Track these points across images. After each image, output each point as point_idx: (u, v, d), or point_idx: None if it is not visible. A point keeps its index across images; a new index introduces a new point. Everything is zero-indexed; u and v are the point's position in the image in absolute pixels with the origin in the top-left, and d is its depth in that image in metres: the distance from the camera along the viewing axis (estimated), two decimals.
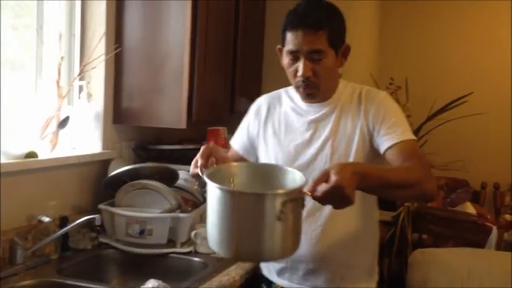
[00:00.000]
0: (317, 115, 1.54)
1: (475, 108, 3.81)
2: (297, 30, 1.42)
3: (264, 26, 2.96)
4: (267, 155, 1.59)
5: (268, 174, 1.31)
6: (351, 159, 1.49)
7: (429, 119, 3.64)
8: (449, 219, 2.72)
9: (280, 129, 1.59)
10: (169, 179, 2.00)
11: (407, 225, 2.72)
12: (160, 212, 1.86)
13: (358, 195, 1.20)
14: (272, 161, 1.56)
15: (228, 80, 2.56)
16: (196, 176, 1.34)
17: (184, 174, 2.10)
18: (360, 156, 1.50)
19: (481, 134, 4.23)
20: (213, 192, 1.15)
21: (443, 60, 4.35)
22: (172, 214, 1.85)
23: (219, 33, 2.39)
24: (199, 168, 1.31)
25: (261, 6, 2.94)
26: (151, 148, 2.32)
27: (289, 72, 1.49)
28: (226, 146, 2.41)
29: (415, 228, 2.79)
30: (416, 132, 3.59)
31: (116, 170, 1.97)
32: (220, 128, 2.40)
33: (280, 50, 1.52)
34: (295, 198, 1.13)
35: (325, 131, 1.53)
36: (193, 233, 1.87)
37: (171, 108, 2.14)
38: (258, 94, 2.90)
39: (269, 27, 2.95)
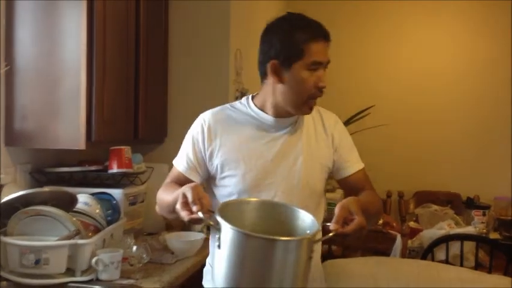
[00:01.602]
0: (286, 130, 1.54)
1: (380, 120, 3.99)
2: (319, 41, 1.45)
3: (167, 40, 2.90)
4: (230, 175, 1.51)
5: (274, 211, 1.33)
6: (318, 177, 1.56)
7: None
8: None
9: (243, 147, 1.52)
10: (67, 203, 1.89)
11: None
12: (57, 240, 1.75)
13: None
14: (239, 180, 1.50)
15: (130, 97, 2.46)
16: (196, 221, 1.25)
17: (85, 198, 2.00)
18: (324, 175, 1.58)
19: (385, 144, 4.43)
20: (244, 240, 1.12)
21: (350, 73, 4.51)
22: (71, 241, 1.75)
23: (118, 49, 2.31)
24: (199, 213, 1.22)
25: (164, 21, 2.87)
26: (49, 171, 2.19)
27: (305, 85, 1.46)
28: (131, 166, 2.33)
29: (324, 240, 2.83)
30: None
31: (8, 196, 1.83)
32: (124, 147, 2.31)
33: (275, 66, 1.46)
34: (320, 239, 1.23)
35: (296, 147, 1.54)
36: (94, 260, 1.77)
37: (69, 129, 2.04)
38: (164, 109, 2.90)
39: (173, 41, 2.91)
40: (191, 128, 1.59)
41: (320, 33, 1.46)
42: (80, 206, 1.95)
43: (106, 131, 2.17)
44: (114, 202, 2.12)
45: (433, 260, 2.86)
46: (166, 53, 2.90)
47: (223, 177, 1.52)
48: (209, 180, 1.57)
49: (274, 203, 1.39)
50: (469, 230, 2.99)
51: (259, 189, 1.48)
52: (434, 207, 3.51)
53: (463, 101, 4.36)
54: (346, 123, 3.71)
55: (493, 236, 3.38)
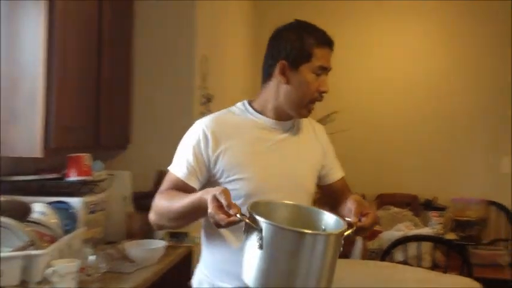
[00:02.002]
0: (286, 133, 1.60)
1: (342, 125, 4.05)
2: (325, 48, 1.54)
3: (131, 44, 2.87)
4: (237, 178, 1.52)
5: (300, 213, 1.38)
6: (313, 181, 1.64)
7: None
8: None
9: (248, 150, 1.54)
10: (22, 213, 1.85)
11: None
12: (11, 251, 1.71)
13: None
14: (246, 183, 1.51)
15: (91, 102, 2.41)
16: (233, 224, 1.24)
17: (41, 207, 1.96)
18: (316, 179, 1.66)
19: (348, 149, 4.48)
20: (285, 235, 1.16)
21: None
22: (24, 252, 1.71)
23: (80, 51, 2.26)
24: (237, 215, 1.22)
25: (128, 24, 2.83)
26: (3, 180, 2.14)
27: (310, 87, 1.53)
28: (90, 174, 2.30)
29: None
30: None
31: None
32: (83, 154, 2.28)
33: (284, 66, 1.53)
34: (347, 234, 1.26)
35: (295, 151, 1.61)
36: (49, 271, 1.74)
37: (25, 135, 1.99)
38: (127, 115, 2.87)
39: (137, 45, 2.88)
40: (189, 135, 1.58)
41: (327, 41, 1.55)
42: (35, 215, 1.91)
43: (65, 137, 2.13)
44: (71, 211, 2.09)
45: (391, 261, 2.92)
46: (130, 57, 2.87)
47: (230, 181, 1.52)
48: (208, 186, 1.53)
49: (298, 205, 1.42)
50: (426, 231, 3.07)
51: (265, 191, 1.50)
52: (394, 209, 3.59)
53: (422, 106, 4.47)
54: None
55: (450, 236, 3.47)
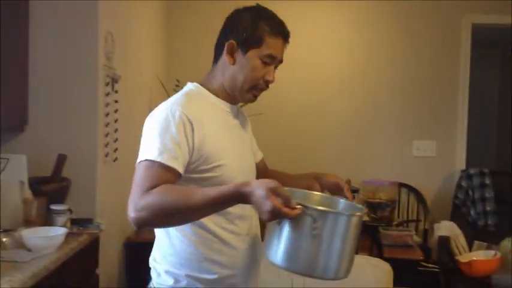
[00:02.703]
0: (238, 117, 1.62)
1: (259, 109, 4.02)
2: (279, 38, 1.52)
3: (27, 19, 2.63)
4: (221, 164, 1.45)
5: (322, 201, 1.47)
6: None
7: None
8: None
9: (223, 135, 1.50)
10: None
11: None
12: None
13: None
14: (229, 167, 1.47)
15: None
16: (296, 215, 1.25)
17: None
18: None
19: (263, 133, 4.47)
20: (339, 220, 1.26)
21: None
22: None
23: None
24: (299, 207, 1.24)
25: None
26: None
27: (255, 73, 1.51)
28: None
29: None
30: None
31: None
32: None
33: (232, 45, 1.50)
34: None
35: (247, 134, 1.67)
36: None
37: None
38: (24, 94, 2.64)
39: (34, 20, 2.66)
40: (165, 120, 1.40)
41: (282, 32, 1.53)
42: None
43: None
44: None
45: None
46: (26, 33, 2.63)
47: (211, 168, 1.44)
48: (186, 173, 1.42)
49: (310, 192, 1.50)
50: None
51: (241, 176, 1.47)
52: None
53: (336, 92, 4.52)
54: None
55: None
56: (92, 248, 2.51)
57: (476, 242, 3.30)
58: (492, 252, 3.20)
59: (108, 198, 2.88)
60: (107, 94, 2.82)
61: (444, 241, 3.23)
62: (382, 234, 3.23)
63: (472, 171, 4.18)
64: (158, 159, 1.34)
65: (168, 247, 1.48)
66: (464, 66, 4.27)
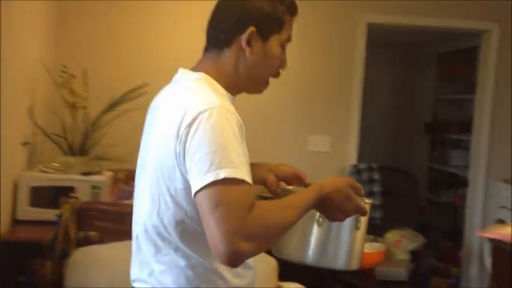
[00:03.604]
0: None
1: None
2: (293, 16, 1.36)
3: None
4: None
5: None
6: None
7: (107, 110, 3.55)
8: (117, 213, 2.63)
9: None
10: None
11: (70, 223, 2.52)
12: None
13: None
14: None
15: None
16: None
17: None
18: None
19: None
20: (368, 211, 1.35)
21: (124, 49, 4.24)
22: None
23: None
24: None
25: None
26: None
27: (276, 61, 1.36)
28: None
29: (81, 226, 2.61)
30: (96, 122, 3.46)
31: None
32: None
33: (253, 34, 1.29)
34: None
35: None
36: None
37: None
38: None
39: None
40: (228, 123, 1.17)
41: (296, 8, 1.36)
42: None
43: None
44: None
45: None
46: None
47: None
48: None
49: (289, 187, 1.58)
50: None
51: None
52: None
53: None
54: (119, 101, 3.53)
55: None
56: None
57: None
58: (377, 245, 3.33)
59: None
60: None
61: None
62: None
63: (361, 166, 4.33)
64: (244, 177, 1.13)
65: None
66: (358, 64, 4.40)
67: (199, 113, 1.15)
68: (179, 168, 1.18)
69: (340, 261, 1.34)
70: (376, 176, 4.28)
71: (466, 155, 5.27)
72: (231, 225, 1.07)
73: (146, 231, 1.30)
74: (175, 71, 1.42)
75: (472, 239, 4.40)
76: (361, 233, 1.34)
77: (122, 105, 3.55)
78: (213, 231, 1.08)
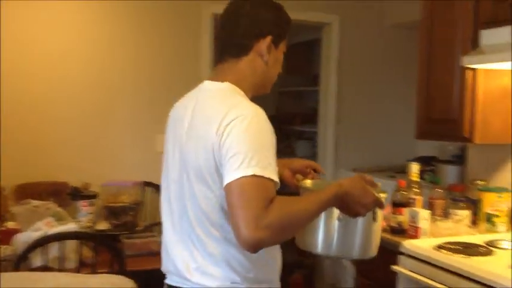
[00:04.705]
0: None
1: None
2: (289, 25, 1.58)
3: None
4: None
5: None
6: None
7: None
8: None
9: None
10: None
11: None
12: None
13: None
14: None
15: None
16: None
17: None
18: None
19: None
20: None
21: None
22: None
23: None
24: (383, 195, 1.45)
25: None
26: None
27: (279, 66, 1.55)
28: None
29: None
30: None
31: None
32: None
33: (271, 42, 1.49)
34: None
35: None
36: None
37: None
38: None
39: None
40: (265, 126, 1.36)
41: (289, 17, 1.56)
42: None
43: None
44: None
45: (29, 268, 2.40)
46: None
47: None
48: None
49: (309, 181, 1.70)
50: (70, 227, 2.59)
51: None
52: (34, 202, 2.96)
53: (73, 85, 3.90)
54: None
55: (103, 226, 3.12)
56: None
57: None
58: None
59: None
60: None
61: None
62: (125, 243, 2.83)
63: None
64: (271, 176, 1.29)
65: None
66: (205, 57, 4.17)
67: (240, 115, 1.32)
68: (215, 159, 1.34)
69: (361, 251, 1.48)
70: None
71: (310, 145, 5.39)
72: (252, 214, 1.22)
73: (191, 225, 1.43)
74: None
75: None
76: (377, 224, 1.46)
77: None
78: (236, 218, 1.24)
